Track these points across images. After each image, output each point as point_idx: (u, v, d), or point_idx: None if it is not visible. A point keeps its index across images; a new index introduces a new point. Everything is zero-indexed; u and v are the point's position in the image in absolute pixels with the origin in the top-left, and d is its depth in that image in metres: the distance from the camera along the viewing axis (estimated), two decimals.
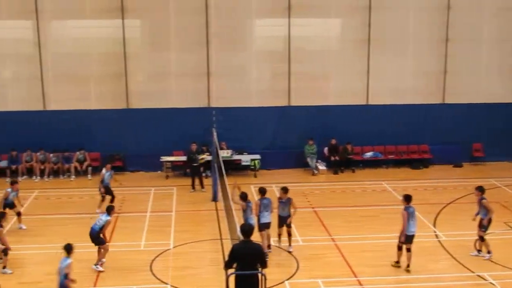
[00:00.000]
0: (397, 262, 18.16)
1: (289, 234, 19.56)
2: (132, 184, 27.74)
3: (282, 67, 29.96)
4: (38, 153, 28.60)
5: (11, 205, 21.64)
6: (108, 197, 23.62)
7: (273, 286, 16.51)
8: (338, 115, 30.13)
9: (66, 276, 14.53)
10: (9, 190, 21.63)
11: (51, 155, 28.69)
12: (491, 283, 17.26)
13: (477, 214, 19.07)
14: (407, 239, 17.82)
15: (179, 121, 29.37)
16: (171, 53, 29.43)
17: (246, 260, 12.71)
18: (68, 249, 14.83)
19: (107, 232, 18.68)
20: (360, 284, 17.17)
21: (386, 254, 18.88)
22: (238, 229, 13.88)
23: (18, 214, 21.85)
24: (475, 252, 19.10)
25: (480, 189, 19.09)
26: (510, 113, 31.10)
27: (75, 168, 28.73)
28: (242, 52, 30.12)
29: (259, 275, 12.67)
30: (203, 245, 19.89)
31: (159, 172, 29.43)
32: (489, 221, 18.78)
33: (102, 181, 23.63)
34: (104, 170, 23.91)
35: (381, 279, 17.42)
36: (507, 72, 31.23)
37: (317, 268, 18.44)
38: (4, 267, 18.04)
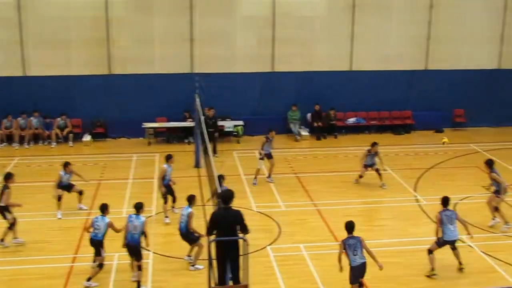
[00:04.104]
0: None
1: None
2: (114, 150, 27.67)
3: (267, 33, 29.77)
4: (19, 118, 28.23)
5: (68, 187, 20.33)
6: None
7: (255, 251, 16.60)
8: (322, 81, 30.08)
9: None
10: (62, 173, 20.18)
11: (33, 119, 28.26)
12: (469, 245, 17.60)
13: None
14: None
15: (162, 87, 29.17)
16: (155, 18, 29.08)
17: (226, 226, 12.73)
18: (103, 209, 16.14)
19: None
20: None
21: (368, 219, 19.03)
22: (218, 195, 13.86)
23: (80, 192, 20.53)
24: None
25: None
26: (492, 80, 31.22)
27: (56, 134, 28.46)
28: (226, 18, 29.77)
29: (240, 240, 12.70)
30: None
31: (141, 138, 29.30)
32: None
33: (163, 178, 20.09)
34: (165, 165, 20.27)
35: None
36: (490, 39, 31.23)
37: (299, 233, 18.57)
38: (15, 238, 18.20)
